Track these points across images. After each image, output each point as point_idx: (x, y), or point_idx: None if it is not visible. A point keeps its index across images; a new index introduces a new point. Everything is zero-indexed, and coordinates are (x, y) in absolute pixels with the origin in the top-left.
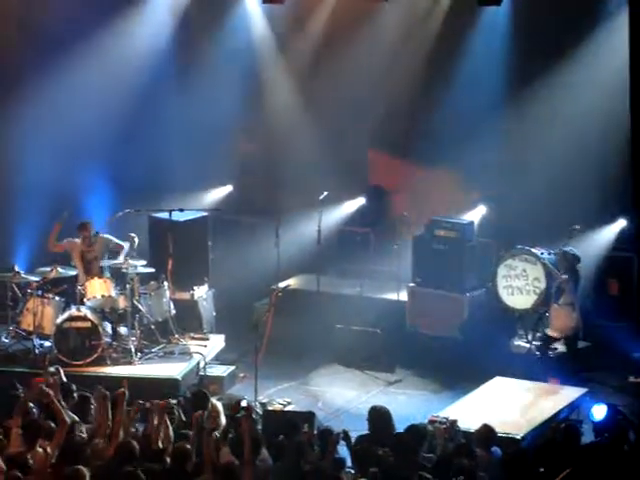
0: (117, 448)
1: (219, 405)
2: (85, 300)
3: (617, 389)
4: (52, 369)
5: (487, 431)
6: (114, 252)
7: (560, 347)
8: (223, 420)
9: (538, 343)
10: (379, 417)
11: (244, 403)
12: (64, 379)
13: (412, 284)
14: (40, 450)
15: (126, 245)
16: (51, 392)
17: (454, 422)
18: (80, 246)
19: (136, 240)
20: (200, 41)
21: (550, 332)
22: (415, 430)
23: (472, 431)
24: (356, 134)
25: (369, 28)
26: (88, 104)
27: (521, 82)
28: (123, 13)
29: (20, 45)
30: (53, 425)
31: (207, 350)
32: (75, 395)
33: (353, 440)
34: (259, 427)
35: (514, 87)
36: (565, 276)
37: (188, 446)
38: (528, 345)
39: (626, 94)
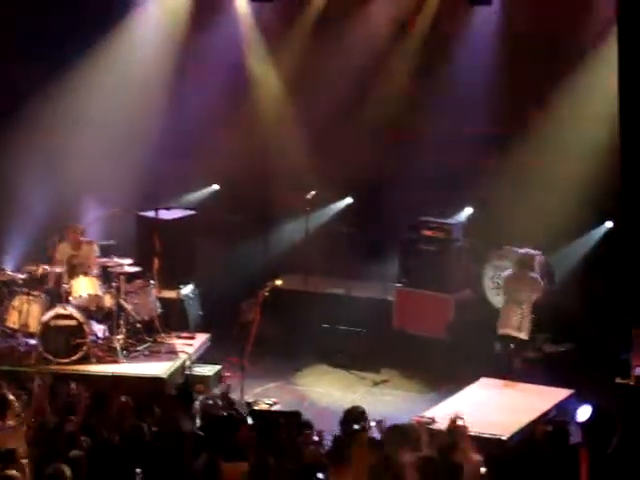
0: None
1: None
2: (71, 298)
3: (604, 390)
4: None
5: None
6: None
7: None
8: None
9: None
10: (354, 419)
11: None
12: None
13: (399, 284)
14: None
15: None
16: None
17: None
18: (68, 250)
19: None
20: (189, 39)
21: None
22: (398, 430)
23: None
24: (344, 132)
25: (359, 25)
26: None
27: (513, 84)
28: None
29: None
30: None
31: (193, 349)
32: None
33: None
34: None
35: (505, 89)
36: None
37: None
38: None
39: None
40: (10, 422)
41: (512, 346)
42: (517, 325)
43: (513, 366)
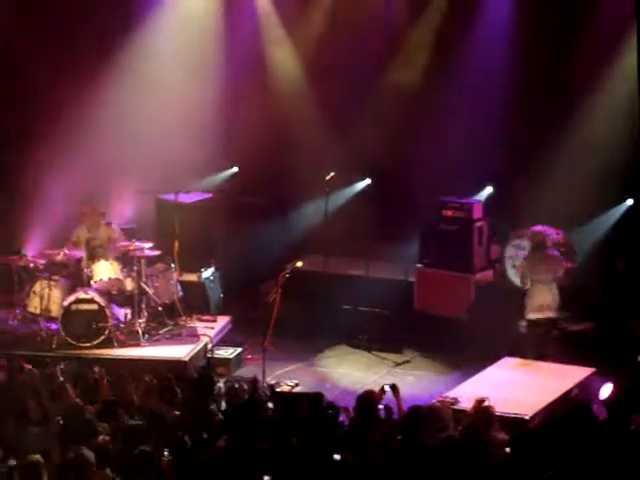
0: None
1: None
2: (92, 282)
3: (625, 368)
4: None
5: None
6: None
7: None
8: None
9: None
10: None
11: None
12: None
13: (420, 265)
14: None
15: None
16: None
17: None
18: (86, 233)
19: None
20: (207, 25)
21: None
22: (418, 411)
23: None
24: (362, 115)
25: (376, 12)
26: None
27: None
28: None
29: None
30: None
31: (214, 332)
32: None
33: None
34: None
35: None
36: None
37: None
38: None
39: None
40: None
41: (540, 328)
42: (547, 304)
43: (545, 348)
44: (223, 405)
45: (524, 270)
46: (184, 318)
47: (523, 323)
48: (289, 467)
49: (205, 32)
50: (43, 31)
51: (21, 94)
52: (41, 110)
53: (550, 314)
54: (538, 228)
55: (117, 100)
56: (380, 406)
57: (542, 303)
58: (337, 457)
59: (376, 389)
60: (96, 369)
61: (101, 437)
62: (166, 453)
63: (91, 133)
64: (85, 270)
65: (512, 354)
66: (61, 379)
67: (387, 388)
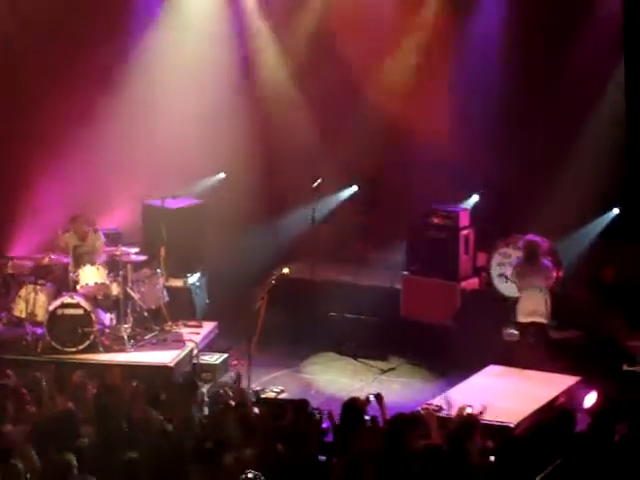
0: None
1: None
2: (78, 287)
3: (611, 377)
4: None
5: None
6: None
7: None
8: None
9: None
10: (352, 410)
11: None
12: None
13: (406, 272)
14: None
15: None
16: None
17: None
18: (74, 240)
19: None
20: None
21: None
22: (403, 418)
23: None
24: (350, 121)
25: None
26: None
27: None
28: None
29: None
30: None
31: (200, 337)
32: None
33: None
34: None
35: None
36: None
37: None
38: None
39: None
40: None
41: (531, 333)
42: (538, 310)
43: (532, 355)
44: (206, 411)
45: (516, 277)
46: (170, 323)
47: (509, 331)
48: (275, 472)
49: (205, 39)
50: (45, 32)
51: (20, 99)
52: (40, 114)
53: (541, 319)
54: (530, 237)
55: (120, 105)
56: (366, 417)
57: (533, 308)
58: (322, 458)
59: (362, 396)
60: (79, 373)
61: (79, 440)
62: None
63: (90, 139)
64: (71, 275)
65: (498, 362)
66: (44, 384)
67: (372, 398)
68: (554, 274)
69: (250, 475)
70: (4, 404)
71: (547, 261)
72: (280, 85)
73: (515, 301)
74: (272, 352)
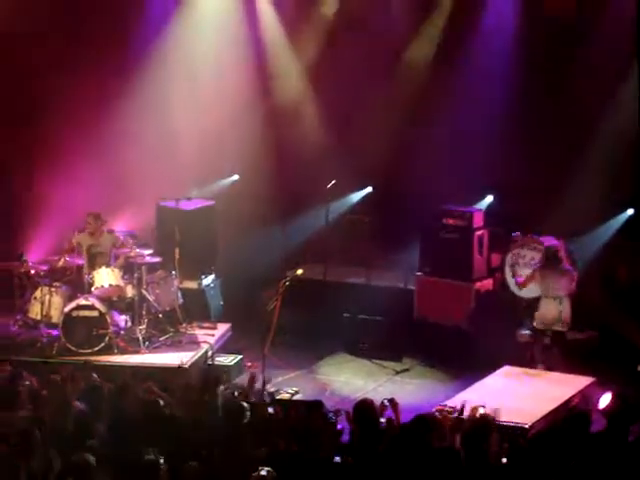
0: None
1: None
2: (93, 289)
3: (625, 378)
4: None
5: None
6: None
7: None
8: None
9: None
10: (364, 412)
11: None
12: None
13: (420, 273)
14: None
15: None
16: None
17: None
18: (87, 240)
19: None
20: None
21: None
22: (423, 420)
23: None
24: (364, 123)
25: (377, 17)
26: None
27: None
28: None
29: None
30: None
31: (214, 339)
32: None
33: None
34: None
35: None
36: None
37: None
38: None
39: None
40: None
41: (548, 335)
42: (556, 318)
43: (546, 356)
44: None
45: (535, 281)
46: (184, 325)
47: (523, 332)
48: (289, 473)
49: (223, 40)
50: (60, 34)
51: (36, 102)
52: (57, 117)
53: (559, 328)
54: (549, 240)
55: (135, 107)
56: (382, 419)
57: (552, 318)
58: (337, 459)
59: (375, 397)
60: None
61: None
62: (162, 461)
63: (106, 141)
64: (86, 277)
65: (512, 362)
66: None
67: (386, 402)
68: (575, 279)
69: (263, 472)
70: (24, 406)
71: (568, 266)
72: (294, 87)
73: (529, 303)
74: (286, 353)
